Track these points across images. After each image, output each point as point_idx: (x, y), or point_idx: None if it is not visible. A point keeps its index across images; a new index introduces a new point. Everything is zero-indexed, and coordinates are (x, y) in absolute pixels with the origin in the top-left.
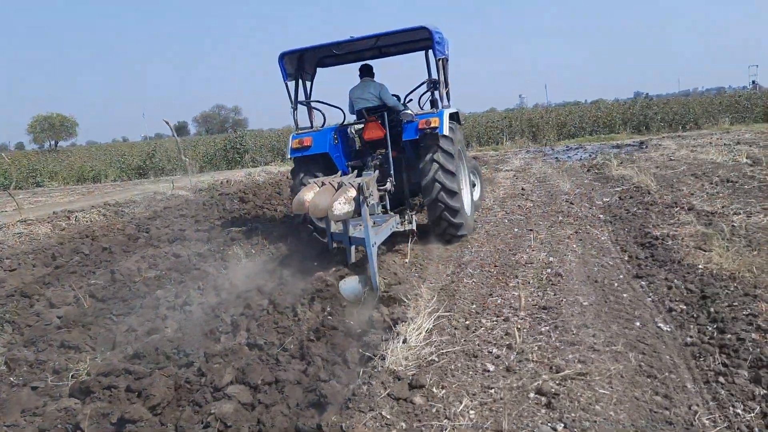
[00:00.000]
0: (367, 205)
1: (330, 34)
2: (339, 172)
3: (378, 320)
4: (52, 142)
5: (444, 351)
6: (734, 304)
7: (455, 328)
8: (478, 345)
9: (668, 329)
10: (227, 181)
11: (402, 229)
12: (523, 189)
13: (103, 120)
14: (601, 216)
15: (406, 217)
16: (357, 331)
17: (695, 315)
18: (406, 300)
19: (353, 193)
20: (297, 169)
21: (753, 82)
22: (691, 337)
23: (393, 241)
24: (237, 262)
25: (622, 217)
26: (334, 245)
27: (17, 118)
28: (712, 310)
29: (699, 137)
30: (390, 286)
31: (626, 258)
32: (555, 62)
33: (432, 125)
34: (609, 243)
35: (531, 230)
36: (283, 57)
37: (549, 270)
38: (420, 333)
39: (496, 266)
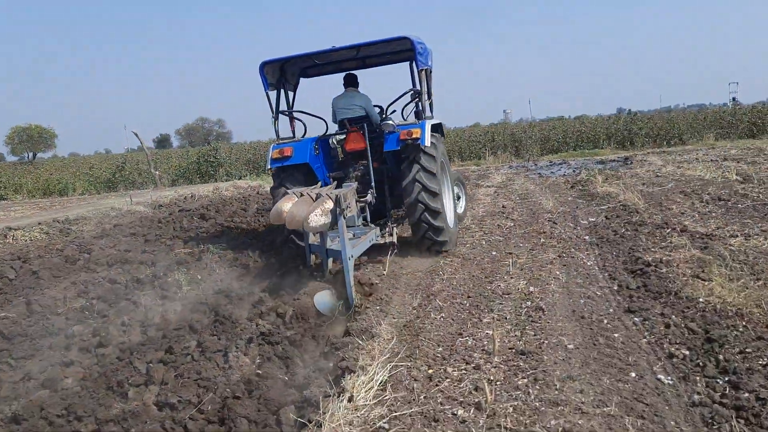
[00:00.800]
0: (344, 217)
1: (320, 44)
2: (319, 183)
3: (325, 368)
4: (31, 154)
5: (398, 413)
6: (746, 350)
7: (415, 380)
8: (441, 404)
9: (670, 382)
10: (191, 196)
11: (382, 242)
12: (503, 206)
13: (87, 132)
14: (587, 237)
15: (387, 229)
16: (300, 380)
17: (701, 363)
18: (360, 342)
19: (330, 204)
20: (277, 179)
21: (733, 99)
22: (698, 394)
23: (371, 253)
24: (177, 290)
25: (610, 239)
26: (313, 261)
27: None
28: (720, 357)
29: (684, 153)
30: (349, 317)
31: (615, 287)
32: (538, 78)
33: (413, 136)
34: (596, 269)
35: (510, 254)
36: (264, 66)
37: (529, 303)
38: (371, 388)
39: (469, 297)
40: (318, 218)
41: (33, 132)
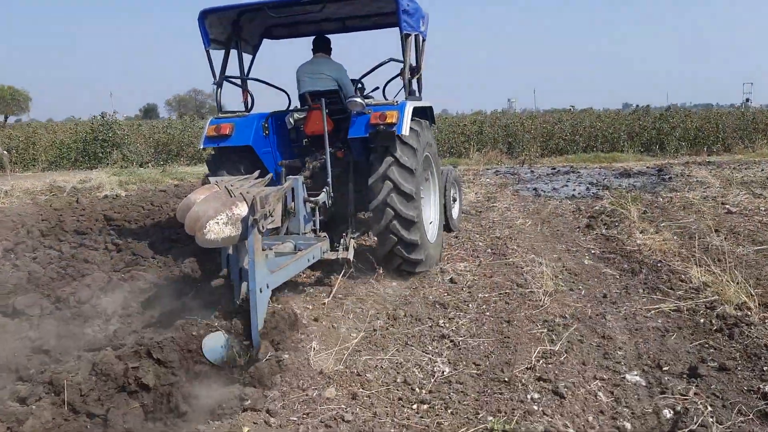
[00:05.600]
0: (259, 231)
1: None
2: (256, 173)
3: None
4: (2, 117)
5: None
6: None
7: None
8: None
9: None
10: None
11: (334, 257)
12: (451, 283)
13: (68, 97)
14: None
15: (342, 241)
16: None
17: None
18: None
19: (242, 210)
20: (212, 165)
21: (747, 99)
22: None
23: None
24: None
25: None
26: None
27: None
28: None
29: (739, 165)
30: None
31: None
32: (544, 67)
33: (387, 121)
34: None
35: None
36: (205, 17)
37: None
38: None
39: None
40: (219, 228)
41: (5, 93)
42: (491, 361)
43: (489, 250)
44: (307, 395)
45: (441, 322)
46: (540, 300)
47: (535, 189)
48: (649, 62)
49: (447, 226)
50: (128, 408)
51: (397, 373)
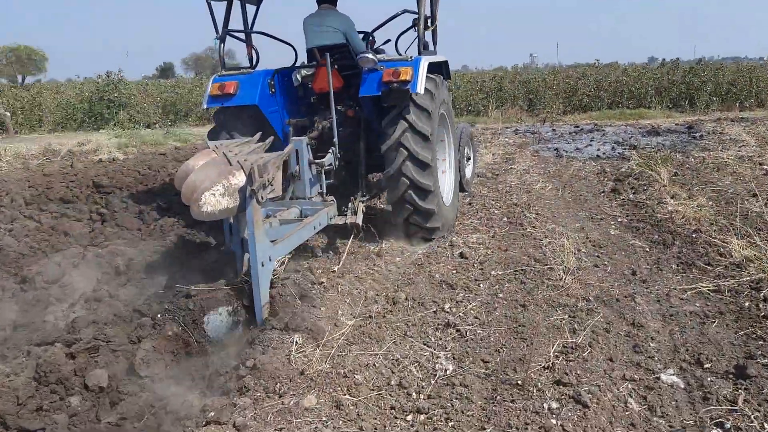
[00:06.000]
0: (258, 202)
1: None
2: (254, 138)
3: None
4: (20, 77)
5: None
6: None
7: None
8: None
9: None
10: None
11: (341, 222)
12: (461, 258)
13: (84, 56)
14: None
15: (350, 205)
16: None
17: None
18: None
19: (239, 179)
20: (216, 126)
21: None
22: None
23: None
24: None
25: None
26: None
27: None
28: None
29: None
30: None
31: None
32: (567, 20)
33: (401, 78)
34: None
35: None
36: None
37: None
38: None
39: None
40: (215, 200)
41: (21, 52)
42: (502, 357)
43: (505, 219)
44: (283, 404)
45: (447, 306)
46: (560, 279)
47: (556, 149)
48: (675, 13)
49: (460, 185)
50: (70, 421)
51: (392, 372)
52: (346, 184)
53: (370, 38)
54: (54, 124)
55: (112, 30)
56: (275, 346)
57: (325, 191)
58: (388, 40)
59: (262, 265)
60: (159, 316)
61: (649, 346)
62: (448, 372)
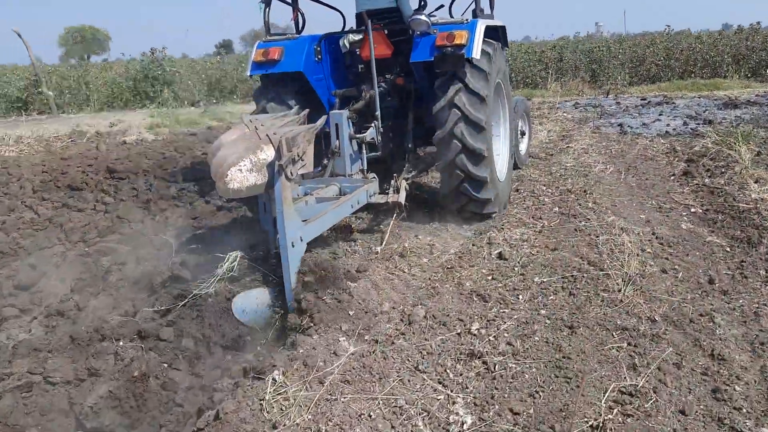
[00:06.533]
0: (288, 178)
1: None
2: (292, 111)
3: None
4: (85, 56)
5: None
6: None
7: None
8: None
9: None
10: None
11: (383, 202)
12: (500, 260)
13: (139, 34)
14: None
15: (392, 182)
16: None
17: None
18: None
19: (268, 154)
20: (261, 95)
21: None
22: None
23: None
24: None
25: None
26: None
27: (46, 30)
28: None
29: None
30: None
31: None
32: None
33: (455, 42)
34: None
35: None
36: None
37: None
38: None
39: None
40: (242, 175)
41: (86, 33)
42: (538, 406)
43: (556, 210)
44: None
45: (475, 327)
46: (619, 289)
47: (620, 125)
48: None
49: (514, 162)
50: None
51: (391, 428)
52: (393, 158)
53: (422, 2)
54: (101, 103)
55: (173, 7)
56: (248, 389)
57: (365, 168)
58: (441, 6)
59: (293, 246)
60: (122, 344)
61: (735, 390)
62: (465, 427)
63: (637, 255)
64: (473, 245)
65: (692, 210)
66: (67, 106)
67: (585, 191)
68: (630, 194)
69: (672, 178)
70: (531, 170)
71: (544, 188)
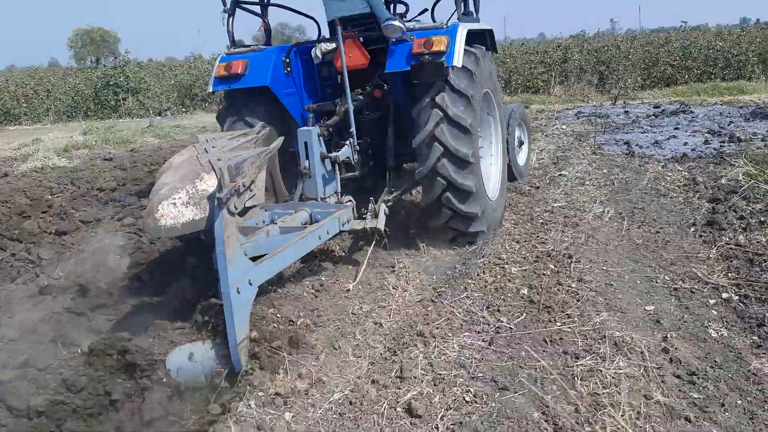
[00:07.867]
0: (230, 213)
1: None
2: (254, 129)
3: None
4: (94, 59)
5: None
6: None
7: None
8: None
9: None
10: None
11: (358, 228)
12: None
13: (151, 37)
14: None
15: (371, 206)
16: None
17: None
18: None
19: (209, 184)
20: (224, 112)
21: None
22: None
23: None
24: None
25: None
26: None
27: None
28: None
29: None
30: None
31: None
32: None
33: (434, 48)
34: None
35: None
36: None
37: None
38: None
39: None
40: (176, 210)
41: (95, 35)
42: None
43: (524, 292)
44: None
45: None
46: None
47: (626, 143)
48: None
49: (510, 174)
50: None
51: None
52: (374, 177)
53: (404, 7)
54: (61, 113)
55: (184, 10)
56: None
57: (340, 190)
58: (425, 10)
59: (238, 292)
60: None
61: None
62: None
63: (638, 413)
64: (373, 383)
65: (723, 296)
66: (23, 118)
67: (570, 256)
68: (633, 260)
69: (692, 230)
70: (508, 212)
71: (516, 247)
